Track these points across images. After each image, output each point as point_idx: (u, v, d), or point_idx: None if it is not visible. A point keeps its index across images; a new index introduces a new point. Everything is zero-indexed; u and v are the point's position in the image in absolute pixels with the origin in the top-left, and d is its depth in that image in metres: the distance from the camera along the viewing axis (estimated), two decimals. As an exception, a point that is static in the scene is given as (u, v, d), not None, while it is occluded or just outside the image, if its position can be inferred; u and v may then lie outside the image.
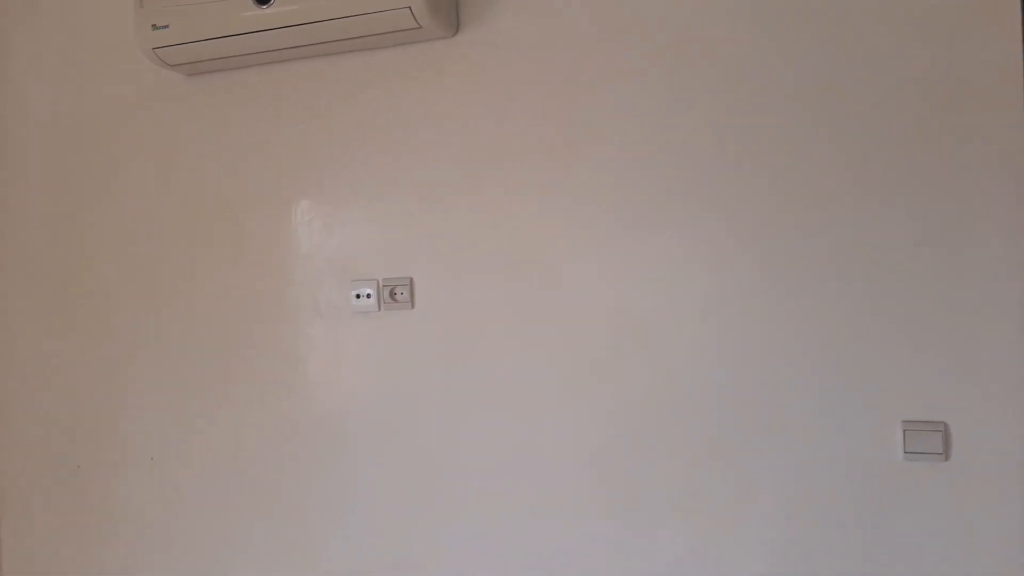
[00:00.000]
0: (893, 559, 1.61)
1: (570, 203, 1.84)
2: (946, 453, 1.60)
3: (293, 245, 2.08)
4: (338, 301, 2.05)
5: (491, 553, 1.90)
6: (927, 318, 1.59)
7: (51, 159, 2.30)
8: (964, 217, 1.57)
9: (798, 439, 1.67)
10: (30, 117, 2.31)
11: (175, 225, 2.17)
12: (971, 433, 1.58)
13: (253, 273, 2.11)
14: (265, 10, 1.87)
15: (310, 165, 2.05)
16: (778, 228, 1.68)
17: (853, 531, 1.63)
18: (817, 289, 1.66)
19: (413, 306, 1.99)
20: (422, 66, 1.96)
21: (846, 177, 1.64)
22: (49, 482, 2.33)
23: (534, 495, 1.86)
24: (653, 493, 1.76)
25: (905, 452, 1.62)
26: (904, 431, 1.63)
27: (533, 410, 1.87)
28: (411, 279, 1.99)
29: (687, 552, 1.73)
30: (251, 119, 2.10)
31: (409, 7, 1.78)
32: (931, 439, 1.61)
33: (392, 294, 2.01)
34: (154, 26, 1.96)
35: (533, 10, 1.87)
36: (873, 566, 1.62)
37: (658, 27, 1.77)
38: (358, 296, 2.04)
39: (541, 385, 1.86)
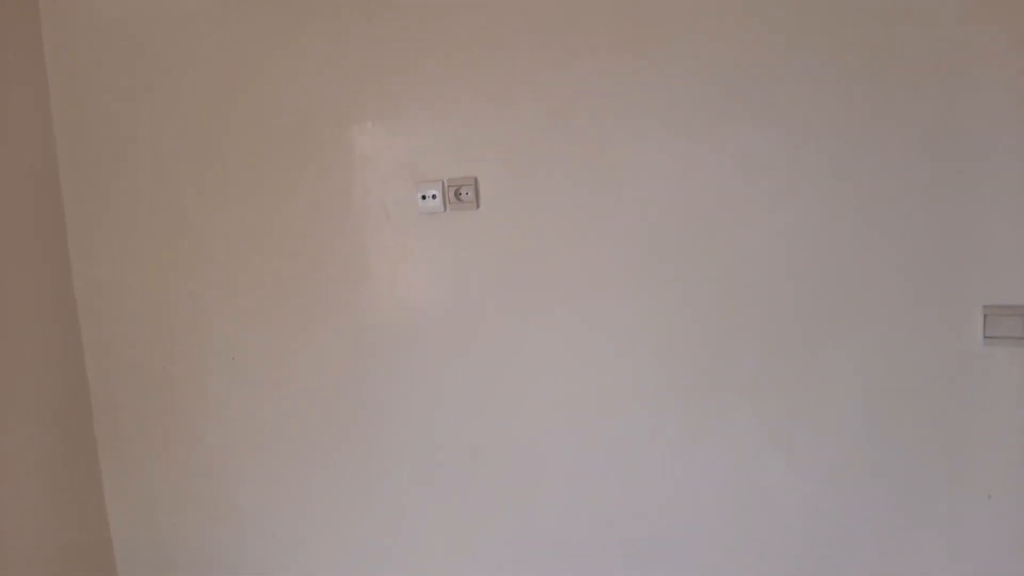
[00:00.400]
0: (972, 440, 1.61)
1: (638, 96, 1.80)
2: (1026, 336, 1.57)
3: (359, 148, 2.09)
4: (405, 203, 2.07)
5: (561, 444, 1.95)
6: (1007, 203, 1.54)
7: (122, 69, 2.32)
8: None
9: (877, 324, 1.65)
10: (99, 29, 2.32)
11: (245, 131, 2.20)
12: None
13: (321, 178, 2.14)
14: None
15: (375, 67, 2.04)
16: (858, 115, 1.62)
17: (931, 415, 1.63)
18: (895, 174, 1.61)
19: (478, 206, 2.00)
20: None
21: (939, 66, 1.56)
22: (137, 384, 2.47)
23: (602, 387, 1.90)
24: (726, 380, 1.78)
25: (985, 336, 1.60)
26: (984, 316, 1.60)
27: (600, 303, 1.88)
28: (475, 179, 1.99)
29: (761, 439, 1.76)
30: (314, 22, 2.08)
31: None
32: (1011, 323, 1.59)
33: (457, 194, 2.02)
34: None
35: None
36: (950, 450, 1.62)
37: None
38: (424, 197, 2.06)
39: (608, 278, 1.87)
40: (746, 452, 1.77)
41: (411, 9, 1.99)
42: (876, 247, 1.64)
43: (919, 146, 1.59)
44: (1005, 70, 1.52)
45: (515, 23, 1.90)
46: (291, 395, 2.26)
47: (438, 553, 2.13)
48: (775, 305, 1.73)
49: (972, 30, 1.54)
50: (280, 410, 2.28)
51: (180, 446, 2.44)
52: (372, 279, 2.12)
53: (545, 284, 1.94)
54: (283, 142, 2.16)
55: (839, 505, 1.71)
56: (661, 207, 1.81)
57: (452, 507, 2.09)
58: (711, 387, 1.80)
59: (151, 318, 2.42)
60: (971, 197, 1.57)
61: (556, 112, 1.88)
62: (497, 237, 1.99)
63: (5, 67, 2.33)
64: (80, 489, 2.54)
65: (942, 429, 1.63)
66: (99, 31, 2.32)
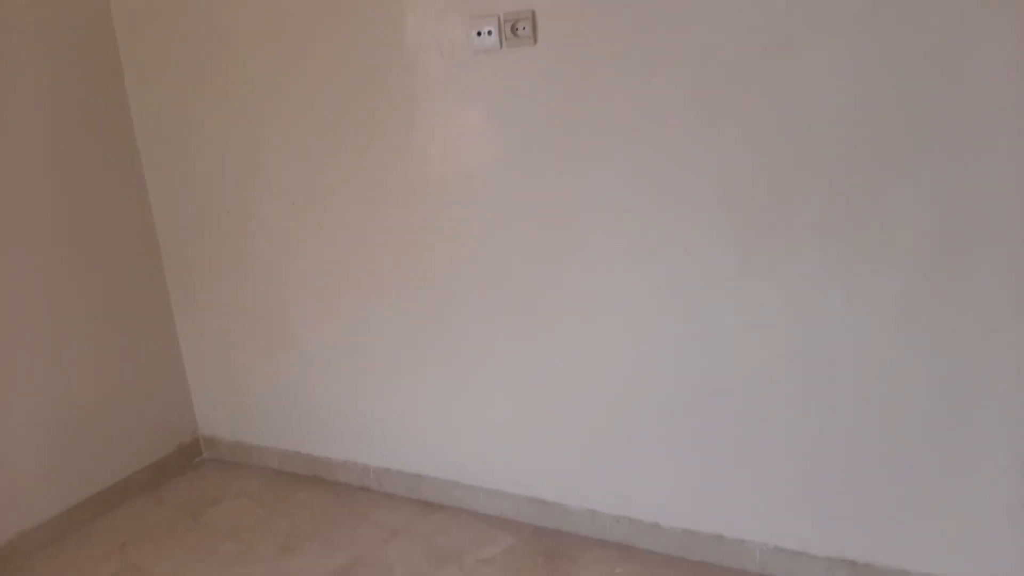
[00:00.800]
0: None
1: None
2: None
3: (411, -20, 2.01)
4: (459, 40, 1.99)
5: (618, 286, 1.95)
6: None
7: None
8: None
9: (945, 164, 1.56)
10: None
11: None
12: None
13: (374, 15, 2.07)
14: None
15: None
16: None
17: (999, 257, 1.56)
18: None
19: (535, 42, 1.92)
20: None
21: None
22: (202, 226, 2.54)
23: (662, 228, 1.86)
24: (789, 219, 1.72)
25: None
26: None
27: (662, 145, 1.82)
28: (532, 12, 1.90)
29: (821, 277, 1.72)
30: None
31: None
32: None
33: (513, 29, 1.94)
34: None
35: None
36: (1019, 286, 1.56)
37: None
38: (479, 34, 1.98)
39: (671, 118, 1.79)
40: (805, 291, 1.73)
41: None
42: (947, 88, 1.52)
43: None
44: None
45: None
46: (347, 238, 2.29)
47: (491, 391, 2.20)
48: (841, 144, 1.63)
49: None
50: (336, 251, 2.32)
51: (243, 286, 2.54)
52: (425, 121, 2.09)
53: (604, 127, 1.87)
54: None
55: (898, 345, 1.68)
56: (728, 44, 1.70)
57: (508, 348, 2.14)
58: (771, 226, 1.74)
59: (212, 165, 2.45)
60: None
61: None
62: (555, 76, 1.91)
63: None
64: (155, 330, 2.68)
65: (1009, 267, 1.55)
66: None
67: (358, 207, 2.25)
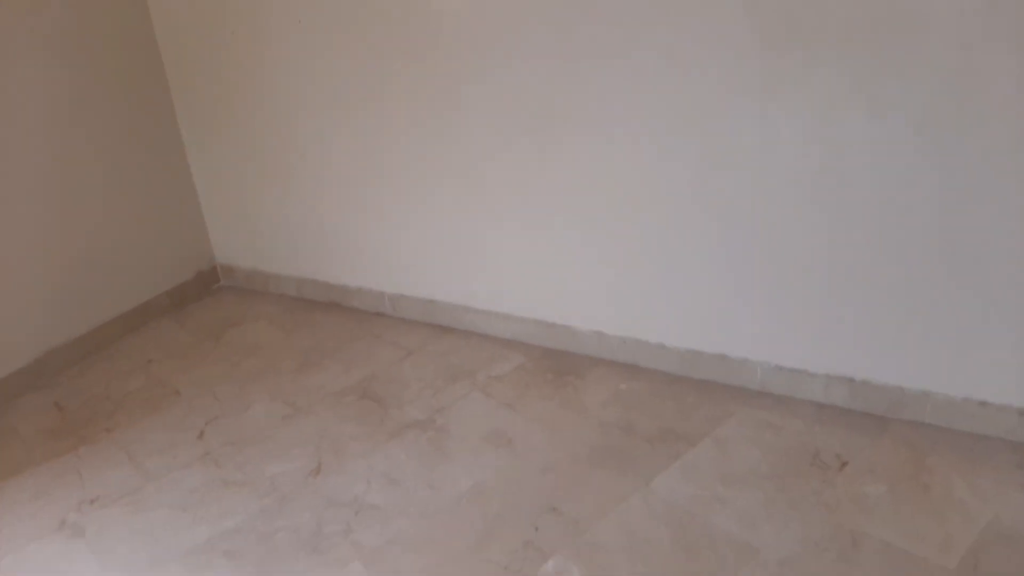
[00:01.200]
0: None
1: None
2: None
3: None
4: None
5: (633, 112, 1.89)
6: None
7: None
8: None
9: None
10: None
11: None
12: None
13: None
14: None
15: None
16: None
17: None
18: None
19: None
20: None
21: None
22: (208, 48, 2.47)
23: (677, 39, 1.78)
24: (811, 29, 1.64)
25: None
26: None
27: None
28: None
29: (843, 91, 1.66)
30: None
31: None
32: None
33: None
34: None
35: None
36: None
37: None
38: None
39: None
40: (826, 105, 1.68)
41: None
42: None
43: None
44: None
45: None
46: (353, 58, 2.22)
47: (501, 216, 2.21)
48: None
49: None
50: (343, 73, 2.26)
51: (256, 119, 2.49)
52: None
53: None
54: None
55: (914, 163, 1.65)
56: None
57: (521, 172, 2.12)
58: (791, 36, 1.65)
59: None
60: None
61: None
62: None
63: None
64: (167, 161, 2.67)
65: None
66: None
67: (368, 25, 2.16)
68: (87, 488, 1.90)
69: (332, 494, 1.80)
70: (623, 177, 1.98)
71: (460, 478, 1.81)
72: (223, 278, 2.90)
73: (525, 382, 2.14)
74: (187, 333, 2.59)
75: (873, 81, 1.62)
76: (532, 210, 2.15)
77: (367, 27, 2.17)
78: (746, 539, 1.56)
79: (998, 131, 1.55)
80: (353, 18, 2.18)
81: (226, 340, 2.52)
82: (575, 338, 2.23)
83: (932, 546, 1.51)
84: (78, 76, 2.35)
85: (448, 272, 2.39)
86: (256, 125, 2.51)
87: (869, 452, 1.76)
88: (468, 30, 2.03)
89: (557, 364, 2.20)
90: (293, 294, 2.76)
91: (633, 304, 2.11)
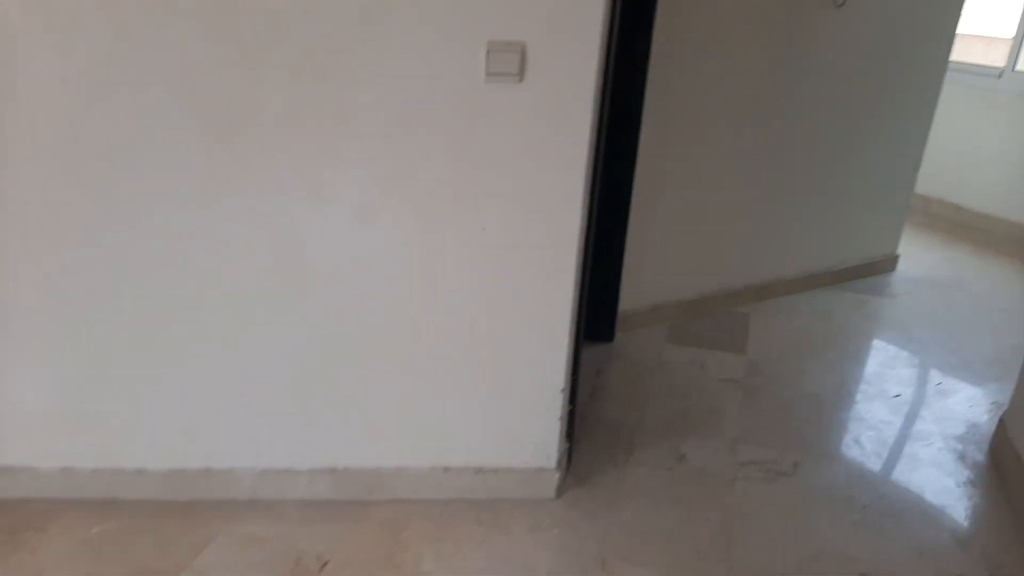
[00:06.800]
0: (472, 169, 1.64)
1: None
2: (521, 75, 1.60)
3: None
4: None
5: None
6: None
7: None
8: None
9: (390, 60, 1.56)
10: None
11: None
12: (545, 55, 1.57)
13: None
14: None
15: None
16: None
17: (438, 143, 1.61)
18: None
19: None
20: None
21: None
22: None
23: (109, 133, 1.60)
24: (254, 116, 1.58)
25: (487, 73, 1.61)
26: (488, 52, 1.59)
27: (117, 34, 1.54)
28: None
29: (291, 183, 1.63)
30: None
31: None
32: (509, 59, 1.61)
33: None
34: None
35: None
36: (454, 172, 1.63)
37: None
38: None
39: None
40: (278, 198, 1.63)
41: None
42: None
43: None
44: None
45: None
46: None
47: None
48: (303, 37, 1.53)
49: None
50: None
51: None
52: None
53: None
54: None
55: (369, 244, 1.67)
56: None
57: None
58: (234, 126, 1.58)
59: None
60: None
61: None
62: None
63: None
64: None
65: (448, 158, 1.62)
66: None
67: None
68: None
69: None
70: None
71: None
72: None
73: (-40, 556, 1.70)
74: None
75: (315, 170, 1.60)
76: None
77: None
78: None
79: (435, 212, 1.64)
80: None
81: None
82: (36, 481, 1.86)
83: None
84: None
85: None
86: None
87: (348, 543, 1.72)
88: None
89: (12, 520, 1.80)
90: None
91: (103, 429, 1.83)
